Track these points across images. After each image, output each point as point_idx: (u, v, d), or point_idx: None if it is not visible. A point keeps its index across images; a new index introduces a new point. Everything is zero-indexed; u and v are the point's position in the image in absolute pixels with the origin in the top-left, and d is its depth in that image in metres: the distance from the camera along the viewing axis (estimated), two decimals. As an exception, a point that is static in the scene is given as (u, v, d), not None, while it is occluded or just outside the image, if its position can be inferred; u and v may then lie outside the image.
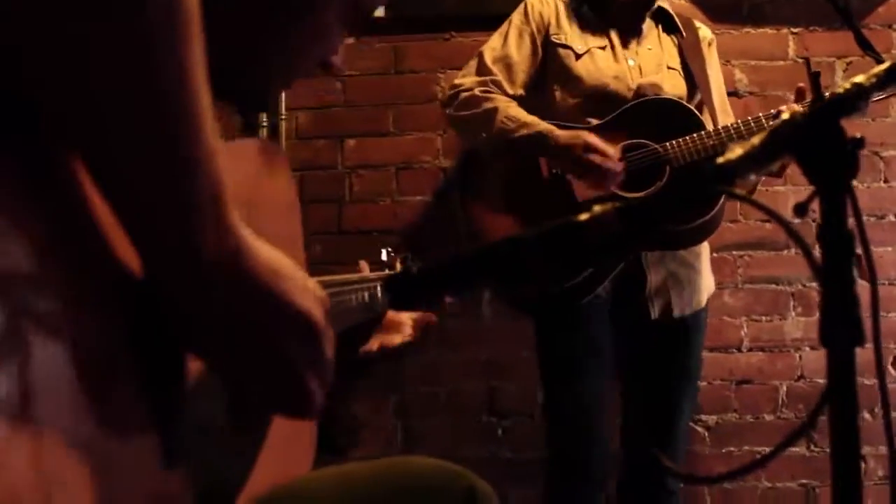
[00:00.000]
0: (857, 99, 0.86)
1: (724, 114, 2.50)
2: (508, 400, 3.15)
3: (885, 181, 3.18)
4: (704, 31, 2.58)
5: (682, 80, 2.48)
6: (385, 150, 3.23)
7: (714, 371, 3.14)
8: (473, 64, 2.52)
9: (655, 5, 2.52)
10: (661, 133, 2.35)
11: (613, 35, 2.49)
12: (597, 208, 0.87)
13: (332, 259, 3.15)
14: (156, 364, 0.70)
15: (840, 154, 0.84)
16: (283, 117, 3.22)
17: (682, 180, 0.85)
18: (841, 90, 0.86)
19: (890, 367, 3.11)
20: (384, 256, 1.47)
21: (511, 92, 2.46)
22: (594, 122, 2.40)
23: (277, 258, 0.74)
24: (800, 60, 3.23)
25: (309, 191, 3.22)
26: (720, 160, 0.87)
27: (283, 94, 3.21)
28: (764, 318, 3.15)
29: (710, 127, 2.38)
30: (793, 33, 3.24)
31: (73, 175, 0.65)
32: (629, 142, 2.38)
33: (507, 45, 2.49)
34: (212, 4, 0.66)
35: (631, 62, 2.46)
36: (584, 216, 0.86)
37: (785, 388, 3.11)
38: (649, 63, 2.47)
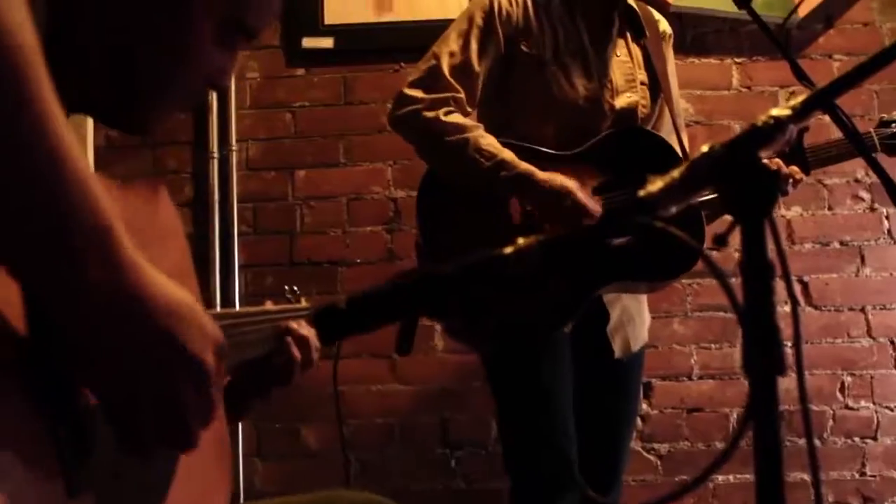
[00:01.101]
0: (774, 131, 0.88)
1: (679, 117, 2.40)
2: (462, 431, 3.15)
3: (829, 208, 3.23)
4: (664, 25, 2.44)
5: (649, 95, 2.35)
6: (336, 181, 3.23)
7: (665, 399, 3.16)
8: (426, 69, 2.22)
9: (623, 3, 2.34)
10: (639, 171, 2.23)
11: (584, 37, 2.29)
12: (520, 241, 0.87)
13: (283, 290, 3.14)
14: (57, 398, 0.70)
15: (758, 185, 0.86)
16: (234, 149, 3.21)
17: (606, 214, 0.85)
18: (759, 122, 0.87)
19: (838, 393, 3.14)
20: (288, 295, 1.47)
21: (469, 110, 2.23)
22: (550, 149, 2.24)
23: (175, 296, 0.74)
24: (743, 90, 3.28)
25: (260, 222, 3.22)
26: (642, 193, 0.88)
27: (234, 126, 3.21)
28: (713, 345, 3.17)
29: (674, 140, 2.30)
30: (736, 63, 3.29)
31: None
32: (604, 180, 2.24)
33: (469, 52, 2.21)
34: (76, 11, 0.65)
35: (603, 78, 2.29)
36: (508, 249, 0.87)
37: (736, 415, 3.13)
38: (621, 77, 2.32)
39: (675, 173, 0.88)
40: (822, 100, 0.98)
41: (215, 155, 3.19)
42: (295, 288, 1.42)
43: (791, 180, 2.23)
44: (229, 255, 3.16)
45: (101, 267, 0.67)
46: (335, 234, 3.21)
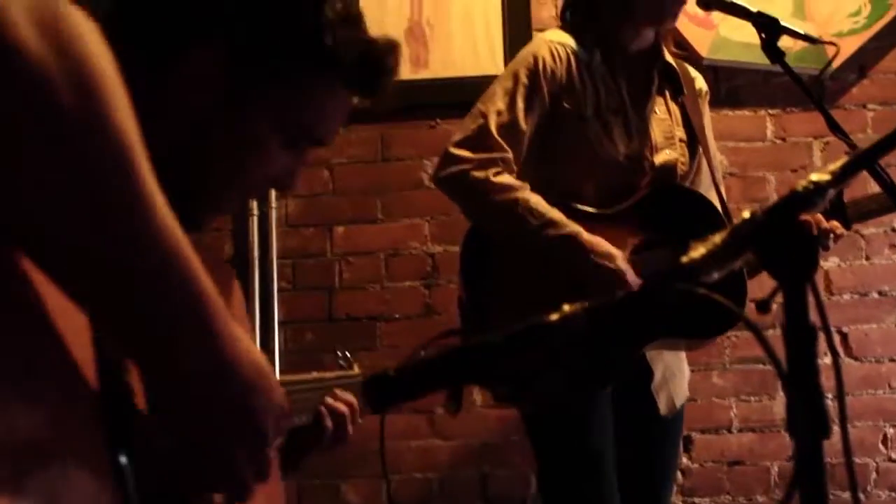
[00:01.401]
0: (814, 196, 0.89)
1: (717, 171, 2.42)
2: (501, 486, 3.13)
3: (867, 258, 3.21)
4: (700, 83, 2.47)
5: (687, 151, 2.36)
6: (374, 237, 3.26)
7: (705, 453, 3.13)
8: (474, 128, 2.20)
9: (663, 60, 2.37)
10: (680, 228, 2.20)
11: (625, 95, 2.30)
12: (566, 308, 0.88)
13: (322, 346, 3.17)
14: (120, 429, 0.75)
15: (799, 250, 0.87)
16: (273, 206, 3.25)
17: (649, 281, 0.86)
18: (799, 188, 0.89)
19: (881, 445, 3.10)
20: (340, 361, 1.50)
21: (515, 168, 2.21)
22: (590, 205, 2.25)
23: (258, 368, 0.80)
24: (778, 141, 3.29)
25: (299, 278, 3.24)
26: (684, 259, 0.89)
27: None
28: (753, 398, 3.15)
29: (714, 199, 2.31)
30: (770, 115, 3.30)
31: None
32: (645, 238, 2.26)
33: (515, 111, 2.20)
34: (145, 115, 0.68)
35: (643, 136, 2.30)
36: (553, 317, 0.88)
37: (776, 468, 3.10)
38: (660, 135, 2.33)
39: (717, 239, 0.90)
40: (861, 163, 0.99)
41: (255, 212, 3.23)
42: (347, 353, 1.44)
43: (832, 235, 2.22)
44: (269, 312, 3.19)
45: (197, 335, 0.73)
46: (374, 290, 3.24)
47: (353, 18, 1.08)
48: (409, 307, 3.22)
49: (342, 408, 1.35)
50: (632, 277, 2.13)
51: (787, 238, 0.87)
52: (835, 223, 2.23)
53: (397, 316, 3.22)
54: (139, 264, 0.66)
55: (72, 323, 0.71)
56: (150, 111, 0.96)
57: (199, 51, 1.00)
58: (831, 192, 0.90)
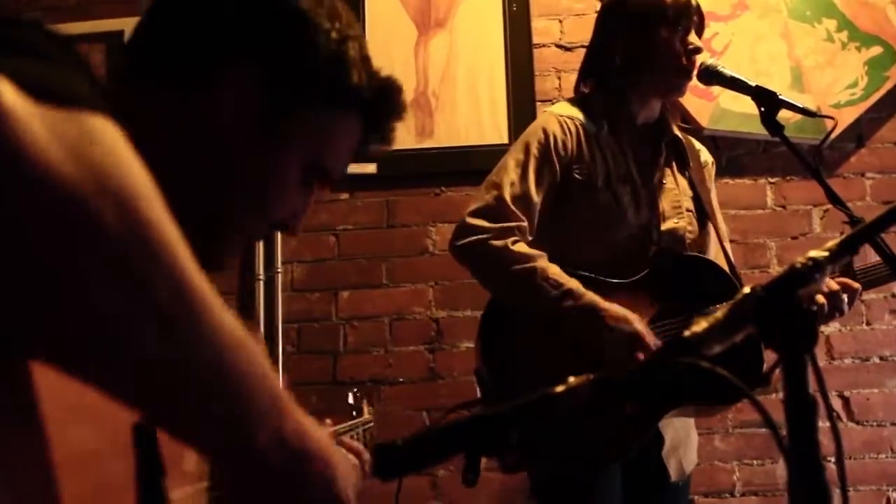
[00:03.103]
0: (813, 272, 0.91)
1: (725, 240, 2.43)
2: (504, 550, 3.11)
3: (868, 324, 3.22)
4: (705, 155, 2.52)
5: (696, 222, 2.39)
6: (378, 302, 3.27)
7: (709, 517, 3.11)
8: (490, 199, 2.23)
9: (670, 133, 2.41)
10: (694, 297, 2.21)
11: (632, 166, 2.33)
12: (571, 380, 0.90)
13: (327, 410, 3.16)
14: None
15: (798, 325, 0.89)
16: (279, 270, 3.28)
17: (653, 354, 0.88)
18: (798, 265, 0.91)
19: (884, 511, 3.09)
20: (350, 399, 1.50)
21: (530, 238, 2.23)
22: (600, 274, 2.26)
23: (327, 441, 0.83)
24: (778, 209, 3.32)
25: (304, 342, 3.26)
26: (686, 333, 0.91)
27: (279, 248, 3.28)
28: (755, 461, 3.14)
29: (721, 261, 2.33)
30: (770, 183, 3.34)
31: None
32: (659, 308, 2.26)
33: (527, 182, 2.23)
34: (168, 149, 0.70)
35: (652, 205, 2.33)
36: (559, 388, 0.89)
37: (780, 532, 3.08)
38: (668, 205, 2.35)
39: (719, 314, 0.91)
40: (860, 240, 1.00)
41: (261, 277, 3.25)
42: (356, 391, 1.45)
43: (844, 296, 2.21)
44: (274, 375, 3.20)
45: (269, 419, 0.75)
46: (378, 354, 3.25)
47: (367, 58, 1.11)
48: (413, 371, 3.23)
49: (353, 460, 1.35)
50: (650, 339, 2.14)
51: (785, 314, 0.88)
52: (845, 280, 2.23)
53: (401, 380, 3.23)
54: (206, 360, 0.67)
55: (109, 443, 0.73)
56: (179, 134, 0.98)
57: (234, 74, 1.01)
58: (829, 270, 0.92)
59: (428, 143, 3.35)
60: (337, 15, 1.07)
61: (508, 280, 2.19)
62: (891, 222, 0.97)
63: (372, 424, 1.48)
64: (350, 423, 1.48)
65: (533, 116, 3.27)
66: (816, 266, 0.90)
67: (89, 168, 0.57)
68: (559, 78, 3.41)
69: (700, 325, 0.91)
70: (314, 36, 1.03)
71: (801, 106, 2.17)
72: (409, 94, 3.37)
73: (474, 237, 2.20)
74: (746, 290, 0.91)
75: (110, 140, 0.60)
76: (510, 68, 3.40)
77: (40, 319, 0.58)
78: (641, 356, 2.11)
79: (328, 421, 1.42)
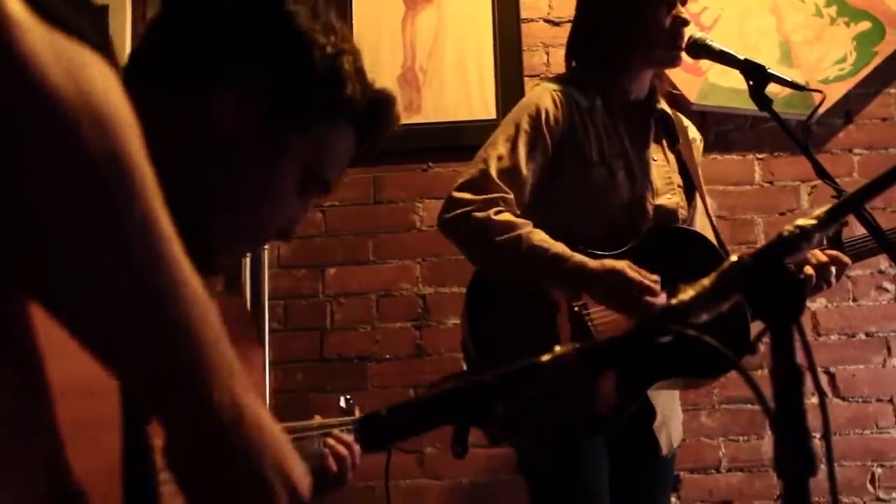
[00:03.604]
0: (800, 240, 0.90)
1: (713, 214, 2.47)
2: (492, 526, 3.12)
3: (854, 300, 3.23)
4: (693, 132, 2.53)
5: (684, 196, 2.41)
6: (365, 279, 3.27)
7: (694, 492, 3.12)
8: (475, 172, 2.23)
9: (660, 109, 2.42)
10: (681, 269, 2.16)
11: (626, 141, 2.34)
12: (557, 349, 0.90)
13: (313, 386, 3.17)
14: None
15: (785, 293, 0.88)
16: (265, 247, 3.26)
17: (638, 323, 0.87)
18: (785, 233, 0.90)
19: (868, 485, 3.10)
20: (342, 403, 1.50)
21: (519, 212, 2.22)
22: (596, 251, 2.24)
23: (279, 446, 0.80)
24: (766, 185, 3.32)
25: (291, 319, 3.25)
26: (674, 301, 0.90)
27: (265, 225, 3.26)
28: (741, 437, 3.15)
29: (709, 234, 2.34)
30: (758, 159, 3.34)
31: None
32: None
33: (517, 156, 2.22)
34: (166, 155, 0.70)
35: (644, 180, 2.33)
36: (545, 357, 0.89)
37: (766, 508, 3.10)
38: (660, 180, 2.37)
39: (706, 282, 0.91)
40: (846, 209, 1.00)
41: (248, 254, 3.24)
42: (349, 397, 1.45)
43: (833, 268, 2.22)
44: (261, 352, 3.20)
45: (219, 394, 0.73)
46: (364, 331, 3.24)
47: (362, 71, 1.14)
48: (399, 348, 3.23)
49: (342, 450, 1.36)
50: (648, 278, 2.13)
51: (773, 282, 0.88)
52: (835, 253, 2.24)
53: (388, 357, 3.23)
54: (167, 302, 0.67)
55: (99, 380, 0.72)
56: (178, 141, 0.99)
57: (233, 85, 1.04)
58: (817, 237, 0.92)
59: (415, 119, 3.33)
60: (332, 29, 1.10)
61: (493, 251, 2.19)
62: (877, 191, 0.97)
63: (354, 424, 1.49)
64: (340, 418, 1.49)
65: (521, 91, 3.26)
66: (804, 234, 0.90)
67: (85, 94, 0.59)
68: (547, 53, 3.40)
69: (687, 294, 0.91)
70: (311, 50, 1.07)
71: (789, 79, 2.17)
72: (396, 70, 3.37)
73: (458, 210, 2.20)
74: (734, 258, 0.90)
75: (105, 77, 0.62)
76: (498, 43, 3.39)
77: (15, 216, 0.60)
78: (649, 298, 2.11)
79: (317, 417, 1.43)
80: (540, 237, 2.17)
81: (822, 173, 2.08)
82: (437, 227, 2.29)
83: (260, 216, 1.07)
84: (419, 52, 3.40)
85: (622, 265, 2.15)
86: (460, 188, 2.24)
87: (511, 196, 2.21)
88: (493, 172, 2.21)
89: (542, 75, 3.32)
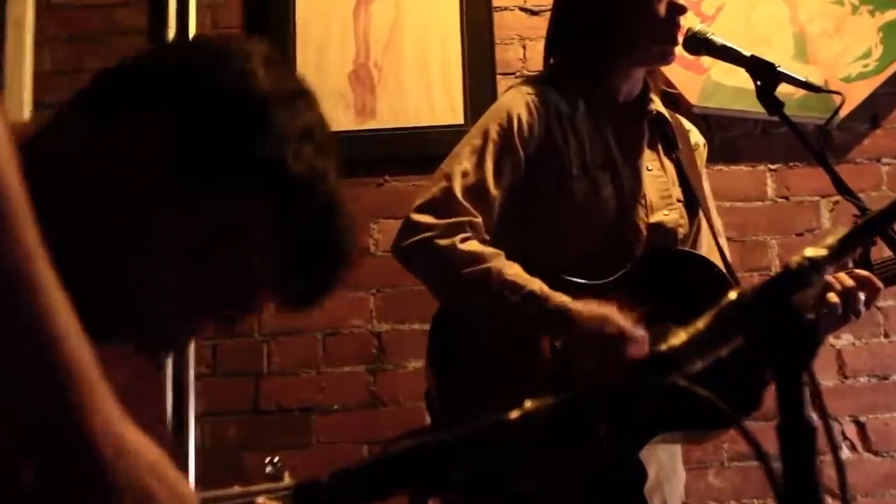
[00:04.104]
0: (809, 274, 0.92)
1: (721, 236, 2.45)
2: None
3: (886, 336, 3.25)
4: (696, 137, 2.54)
5: (686, 214, 2.41)
6: (309, 314, 3.25)
7: (700, 566, 3.13)
8: (436, 191, 2.23)
9: (654, 110, 2.43)
10: (683, 301, 2.10)
11: (613, 149, 2.35)
12: (528, 404, 0.90)
13: (247, 443, 3.14)
14: None
15: (793, 336, 0.89)
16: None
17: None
18: (792, 265, 0.91)
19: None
20: (268, 468, 1.49)
21: (487, 237, 2.22)
22: (578, 276, 2.25)
23: (162, 468, 0.81)
24: (780, 200, 3.35)
25: (221, 363, 3.23)
26: (662, 347, 0.91)
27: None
28: (755, 500, 3.16)
29: (716, 258, 2.33)
30: (770, 170, 3.37)
31: None
32: (645, 312, 2.22)
33: (484, 172, 2.23)
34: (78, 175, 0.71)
35: (636, 194, 2.34)
36: (514, 414, 0.89)
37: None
38: (655, 193, 2.37)
39: (700, 323, 0.92)
40: (867, 233, 1.01)
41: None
42: (276, 459, 1.44)
43: (861, 295, 2.19)
44: (184, 402, 3.16)
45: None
46: (308, 376, 3.24)
47: (312, 136, 1.11)
48: (350, 396, 3.22)
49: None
50: (638, 334, 2.13)
51: (778, 323, 0.89)
52: (865, 274, 2.21)
53: (336, 407, 3.22)
54: (32, 328, 0.70)
55: None
56: (81, 177, 0.99)
57: (144, 119, 1.03)
58: (830, 270, 0.93)
59: (369, 124, 3.35)
60: (280, 73, 1.11)
61: (458, 285, 2.19)
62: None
63: (289, 492, 1.48)
64: (266, 485, 1.48)
65: (493, 92, 3.28)
66: (814, 266, 0.91)
67: None
68: (524, 47, 3.43)
69: (679, 338, 0.92)
70: (237, 86, 1.06)
71: (803, 79, 2.20)
72: (346, 66, 3.38)
73: (418, 236, 2.20)
74: (732, 294, 0.91)
75: None
76: (466, 36, 3.42)
77: None
78: (635, 355, 2.09)
79: (236, 487, 1.42)
80: (513, 271, 2.17)
81: (841, 187, 2.11)
82: (392, 255, 2.29)
83: (157, 278, 1.06)
84: (374, 45, 3.42)
85: (610, 312, 2.14)
86: (420, 209, 2.23)
87: (479, 219, 2.21)
88: (458, 191, 2.21)
89: (519, 73, 3.34)
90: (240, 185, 1.05)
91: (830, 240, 0.95)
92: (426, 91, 3.38)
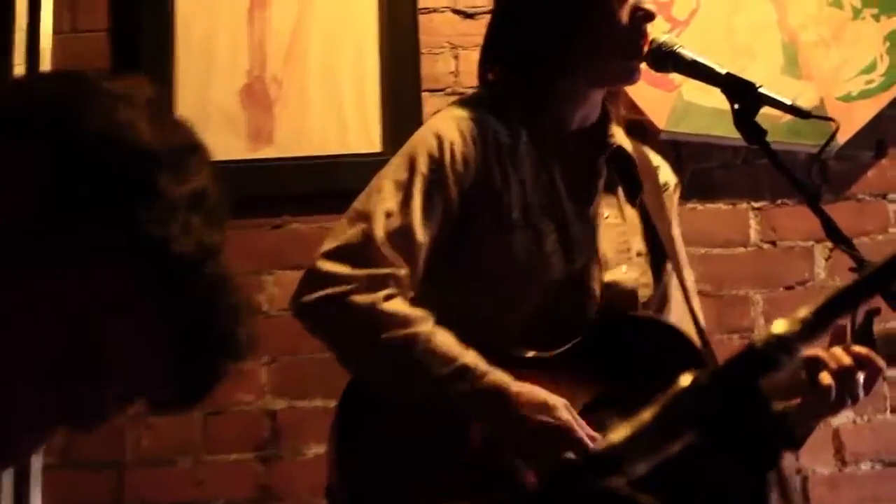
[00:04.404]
0: (778, 355, 0.91)
1: (694, 296, 2.45)
2: None
3: (892, 411, 3.28)
4: (666, 175, 2.56)
5: (651, 271, 2.41)
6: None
7: None
8: (354, 237, 2.20)
9: (614, 143, 2.42)
10: (645, 379, 2.18)
11: (561, 191, 2.34)
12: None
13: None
14: None
15: (761, 429, 0.89)
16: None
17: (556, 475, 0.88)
18: (757, 344, 0.91)
19: None
20: None
21: (412, 293, 2.22)
22: (518, 345, 2.26)
23: None
24: (766, 245, 3.37)
25: (74, 450, 3.18)
26: (602, 444, 0.90)
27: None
28: None
29: (692, 332, 2.33)
30: (755, 209, 3.40)
31: None
32: (598, 392, 2.25)
33: (410, 213, 2.21)
34: None
35: (588, 247, 2.33)
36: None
37: None
38: (612, 247, 2.37)
39: (647, 415, 0.91)
40: (850, 301, 1.00)
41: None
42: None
43: (860, 375, 2.18)
44: (24, 498, 3.12)
45: None
46: (184, 465, 3.21)
47: (212, 215, 1.10)
48: (235, 489, 3.20)
49: None
50: (586, 431, 2.11)
51: (741, 414, 0.88)
52: (864, 351, 2.20)
53: (221, 503, 3.20)
54: None
55: None
56: None
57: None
58: (801, 349, 0.92)
59: (264, 153, 3.35)
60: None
61: (377, 352, 2.17)
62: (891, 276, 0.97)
63: None
64: None
65: (418, 114, 3.29)
66: (782, 346, 0.90)
67: None
68: (456, 58, 3.44)
69: (619, 433, 0.91)
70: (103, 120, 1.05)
71: (788, 103, 2.20)
72: (237, 80, 3.37)
73: (328, 290, 2.16)
74: (685, 379, 0.90)
75: None
76: (386, 43, 3.43)
77: None
78: (572, 455, 2.07)
79: None
80: (444, 339, 2.15)
81: (834, 234, 2.11)
82: (292, 312, 2.26)
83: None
84: (271, 55, 3.43)
85: (552, 401, 2.13)
86: (330, 257, 2.20)
87: (405, 272, 2.19)
88: (380, 236, 2.18)
89: (449, 90, 3.36)
90: (113, 257, 1.04)
91: (803, 311, 0.95)
92: (336, 112, 3.39)
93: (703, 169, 3.41)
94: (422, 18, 3.46)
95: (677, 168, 3.14)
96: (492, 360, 2.17)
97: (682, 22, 3.39)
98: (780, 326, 0.92)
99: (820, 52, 3.46)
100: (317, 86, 3.41)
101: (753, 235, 3.40)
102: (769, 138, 2.18)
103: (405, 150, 2.32)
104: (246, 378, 3.23)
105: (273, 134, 3.36)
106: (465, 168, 2.26)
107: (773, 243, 3.39)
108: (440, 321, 2.19)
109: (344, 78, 3.41)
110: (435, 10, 3.48)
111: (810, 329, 0.93)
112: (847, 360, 2.18)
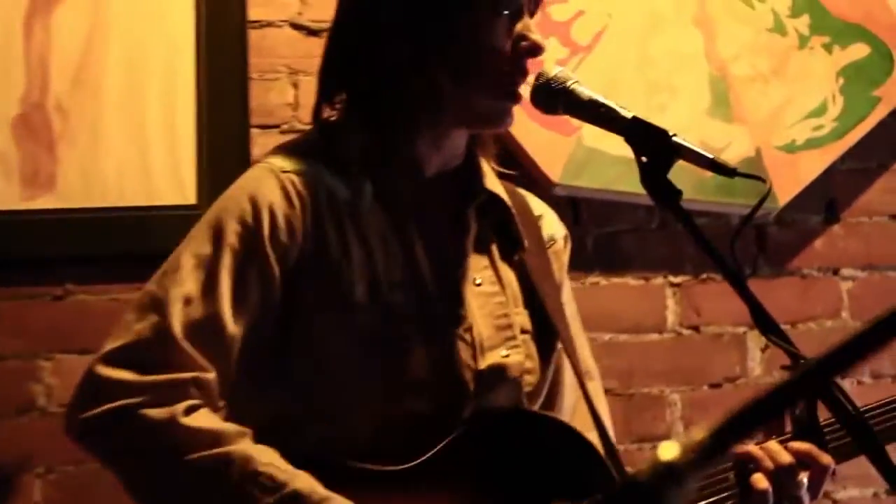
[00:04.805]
0: (665, 485, 0.96)
1: (592, 379, 2.48)
2: None
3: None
4: (550, 225, 2.59)
5: (537, 352, 2.40)
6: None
7: None
8: (144, 331, 2.12)
9: (484, 188, 2.42)
10: (526, 486, 2.24)
11: (419, 255, 2.32)
12: None
13: None
14: None
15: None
16: None
17: None
18: (639, 475, 0.95)
19: None
20: None
21: (221, 403, 2.17)
22: (369, 461, 2.22)
23: None
24: (686, 332, 3.43)
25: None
26: None
27: None
28: None
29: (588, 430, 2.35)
30: (672, 285, 3.45)
31: None
32: None
33: (217, 297, 2.15)
34: None
35: (455, 326, 2.31)
36: None
37: None
38: (487, 321, 2.35)
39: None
40: (763, 417, 1.04)
41: None
42: None
43: (804, 476, 2.21)
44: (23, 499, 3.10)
45: None
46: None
47: None
48: None
49: None
50: None
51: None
52: (805, 447, 2.23)
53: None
54: None
55: None
56: None
57: None
58: (697, 478, 0.97)
59: (44, 202, 3.33)
60: None
61: (178, 479, 2.12)
62: (845, 367, 1.00)
63: None
64: None
65: (245, 156, 3.30)
66: (671, 476, 0.95)
67: None
68: (295, 86, 3.47)
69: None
70: None
71: (709, 156, 2.19)
72: (10, 108, 3.34)
73: (111, 404, 2.09)
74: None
75: None
76: (205, 65, 3.43)
77: None
78: None
79: None
80: (267, 459, 2.11)
81: (762, 321, 2.13)
82: (67, 429, 2.18)
83: None
84: (56, 76, 3.40)
85: None
86: (114, 359, 2.12)
87: (211, 375, 2.14)
88: (178, 330, 2.12)
89: (286, 127, 3.38)
90: None
91: (700, 434, 0.99)
92: (139, 152, 3.39)
93: (609, 234, 3.47)
94: (252, 34, 3.47)
95: (574, 231, 3.16)
96: (329, 478, 2.15)
97: (583, 48, 3.42)
98: (668, 452, 0.97)
99: (757, 90, 3.51)
100: (114, 117, 3.40)
101: (671, 319, 3.47)
102: (694, 195, 2.19)
103: (210, 215, 2.26)
104: (15, 493, 3.22)
105: (55, 178, 3.33)
106: (289, 237, 2.22)
107: (696, 329, 3.45)
108: (262, 432, 2.17)
109: (150, 108, 3.41)
110: (270, 24, 3.49)
111: (708, 455, 0.98)
112: (786, 457, 2.21)
